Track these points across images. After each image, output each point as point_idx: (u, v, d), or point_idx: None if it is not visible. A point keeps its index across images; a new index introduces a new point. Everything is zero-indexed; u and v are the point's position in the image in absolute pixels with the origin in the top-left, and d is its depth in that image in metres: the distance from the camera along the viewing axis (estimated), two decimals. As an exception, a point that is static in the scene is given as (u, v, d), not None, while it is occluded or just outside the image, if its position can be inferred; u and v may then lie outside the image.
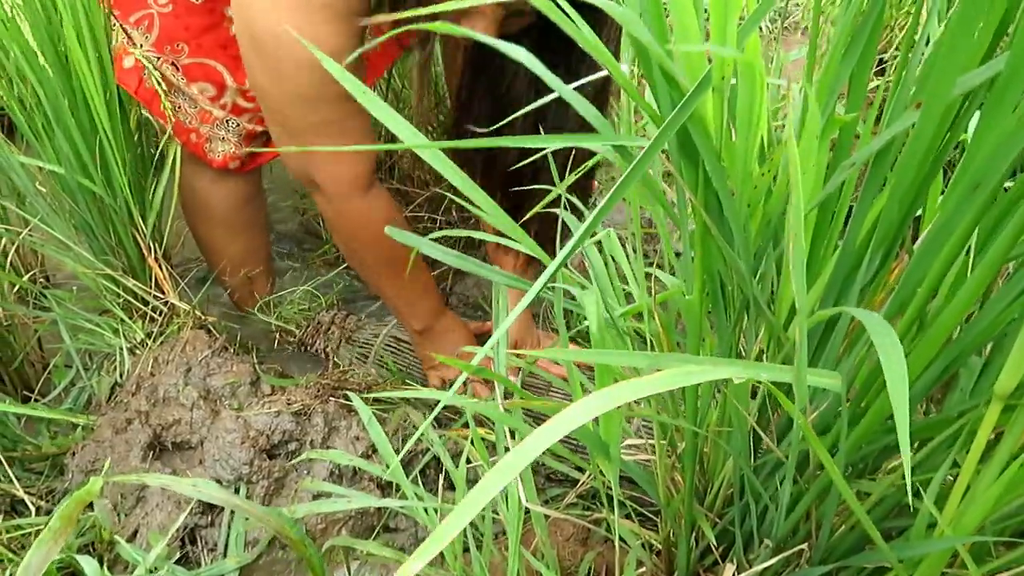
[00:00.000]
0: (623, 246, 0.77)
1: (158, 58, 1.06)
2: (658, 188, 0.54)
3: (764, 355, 0.62)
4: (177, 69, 1.07)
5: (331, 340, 1.23)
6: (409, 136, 0.52)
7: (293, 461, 0.82)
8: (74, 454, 0.89)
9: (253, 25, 0.81)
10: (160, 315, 1.14)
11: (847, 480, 0.60)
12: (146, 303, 1.13)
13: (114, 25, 1.03)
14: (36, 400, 1.14)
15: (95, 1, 0.94)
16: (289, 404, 0.87)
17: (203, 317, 1.13)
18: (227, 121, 1.13)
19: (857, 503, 0.48)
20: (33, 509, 0.87)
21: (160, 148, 1.14)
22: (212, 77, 1.08)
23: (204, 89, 1.09)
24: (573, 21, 0.43)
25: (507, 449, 0.68)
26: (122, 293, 1.12)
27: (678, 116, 0.42)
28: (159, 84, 1.03)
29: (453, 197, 0.96)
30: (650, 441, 0.73)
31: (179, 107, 1.10)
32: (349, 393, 0.73)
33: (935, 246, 0.46)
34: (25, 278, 1.17)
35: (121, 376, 1.07)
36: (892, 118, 0.49)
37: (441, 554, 0.71)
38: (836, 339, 0.54)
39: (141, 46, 1.05)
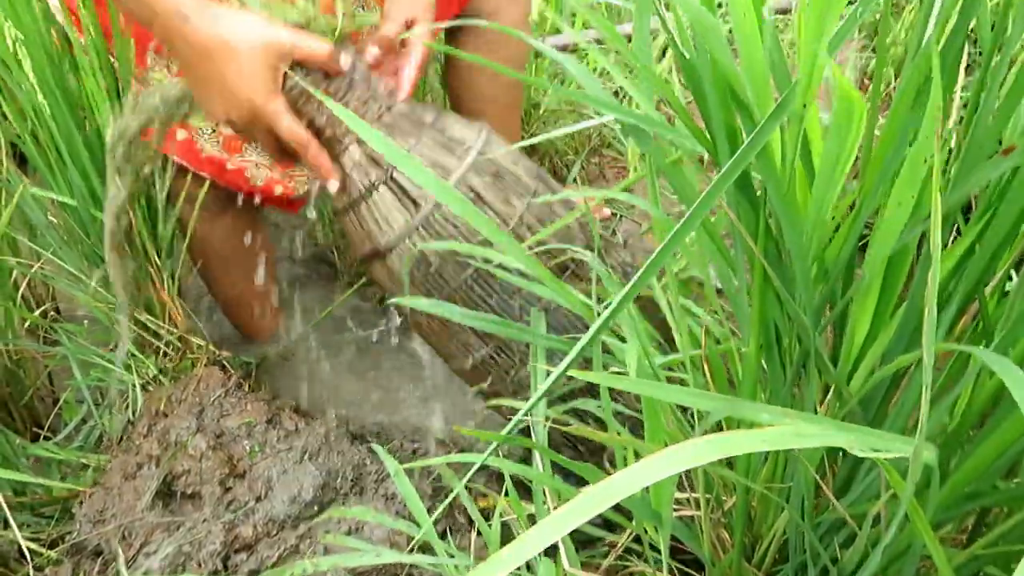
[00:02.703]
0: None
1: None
2: (719, 243, 0.50)
3: (818, 409, 0.58)
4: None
5: None
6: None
7: (319, 519, 0.79)
8: (82, 503, 0.86)
9: None
10: (173, 350, 1.11)
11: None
12: (159, 337, 1.10)
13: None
14: (46, 437, 1.10)
15: (116, 33, 0.91)
16: (310, 456, 0.83)
17: (217, 352, 1.10)
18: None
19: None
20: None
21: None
22: None
23: None
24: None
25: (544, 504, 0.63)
26: (134, 327, 1.09)
27: (747, 151, 0.38)
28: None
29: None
30: (693, 495, 0.68)
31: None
32: (376, 447, 0.69)
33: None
34: (36, 313, 1.14)
35: (133, 413, 1.04)
36: (970, 162, 0.45)
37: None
38: (909, 396, 0.50)
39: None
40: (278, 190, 1.11)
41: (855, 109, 0.36)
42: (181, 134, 1.04)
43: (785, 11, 1.46)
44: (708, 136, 0.47)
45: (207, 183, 1.09)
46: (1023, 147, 0.36)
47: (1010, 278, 0.47)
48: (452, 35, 1.24)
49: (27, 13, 0.86)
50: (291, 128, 0.76)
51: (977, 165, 0.42)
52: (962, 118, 0.49)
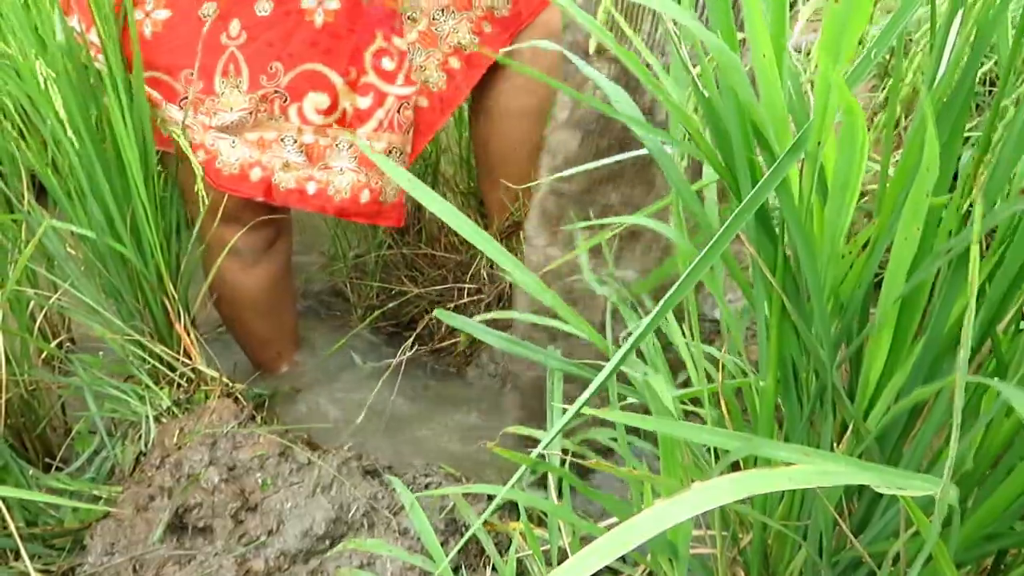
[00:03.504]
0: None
1: (260, 99, 1.01)
2: (739, 276, 0.51)
3: (835, 446, 0.58)
4: (284, 98, 1.01)
5: None
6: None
7: (332, 552, 0.78)
8: (93, 535, 0.86)
9: None
10: (187, 381, 1.11)
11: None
12: (173, 369, 1.11)
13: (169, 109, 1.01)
14: (58, 468, 1.11)
15: (136, 65, 0.93)
16: (322, 489, 0.83)
17: (230, 384, 1.10)
18: (336, 147, 1.07)
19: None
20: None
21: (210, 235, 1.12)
22: (318, 82, 1.03)
23: (317, 103, 1.03)
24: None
25: (559, 543, 0.63)
26: (148, 358, 1.10)
27: (767, 184, 0.39)
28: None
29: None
30: (709, 532, 0.68)
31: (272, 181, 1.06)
32: (391, 478, 0.69)
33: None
34: (53, 344, 1.15)
35: (146, 445, 1.04)
36: (989, 196, 0.45)
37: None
38: (926, 432, 0.50)
39: (233, 108, 1.01)
40: (365, 196, 1.10)
41: (857, 122, 0.37)
42: (256, 173, 1.05)
43: (797, 50, 1.48)
44: (728, 170, 0.48)
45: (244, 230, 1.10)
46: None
47: (1023, 316, 0.47)
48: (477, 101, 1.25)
49: (56, 50, 0.88)
50: None
51: (993, 204, 0.43)
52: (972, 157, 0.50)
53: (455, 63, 1.13)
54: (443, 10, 1.10)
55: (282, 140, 1.04)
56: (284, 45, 0.99)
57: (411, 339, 1.22)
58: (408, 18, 1.10)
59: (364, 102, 1.06)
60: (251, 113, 1.02)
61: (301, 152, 1.05)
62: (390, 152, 1.09)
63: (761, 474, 0.29)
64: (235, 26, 0.98)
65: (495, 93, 1.20)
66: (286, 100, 1.02)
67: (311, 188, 1.07)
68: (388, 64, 1.07)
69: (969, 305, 0.29)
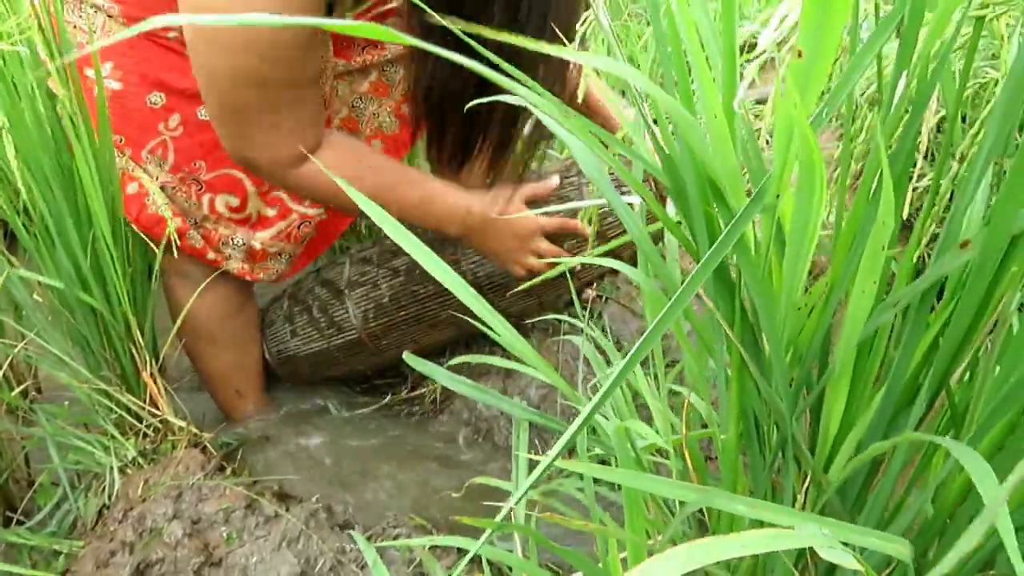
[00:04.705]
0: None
1: (179, 180, 1.07)
2: (701, 328, 0.51)
3: (797, 500, 0.58)
4: (200, 187, 1.07)
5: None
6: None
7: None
8: (51, 592, 0.83)
9: (204, 6, 0.81)
10: (153, 431, 1.09)
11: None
12: (139, 419, 1.09)
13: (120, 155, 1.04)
14: (19, 521, 1.08)
15: (102, 118, 0.94)
16: (288, 543, 0.81)
17: (198, 434, 1.09)
18: (232, 239, 1.12)
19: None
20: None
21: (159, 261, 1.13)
22: (234, 186, 1.08)
23: (228, 201, 1.09)
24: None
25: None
26: (115, 408, 1.08)
27: (726, 240, 0.40)
28: (166, 210, 1.02)
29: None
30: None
31: (185, 233, 1.10)
32: (353, 534, 0.68)
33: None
34: (15, 392, 1.13)
35: (109, 497, 1.02)
36: (941, 251, 0.46)
37: None
38: (885, 485, 0.50)
39: (157, 178, 1.06)
40: (247, 278, 1.18)
41: (815, 168, 0.37)
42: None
43: (762, 101, 1.51)
44: (688, 225, 0.49)
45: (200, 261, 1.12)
46: (977, 242, 0.37)
47: (975, 367, 0.48)
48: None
49: (20, 101, 0.88)
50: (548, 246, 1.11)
51: (941, 256, 0.44)
52: (920, 207, 0.51)
53: (407, 109, 1.19)
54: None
55: (189, 217, 1.11)
56: (213, 149, 1.04)
57: (384, 387, 1.21)
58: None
59: (270, 211, 1.13)
60: (171, 189, 1.08)
61: (199, 231, 1.12)
62: (280, 253, 1.17)
63: (715, 542, 0.29)
64: (175, 119, 1.04)
65: None
66: (201, 189, 1.09)
67: (210, 255, 1.15)
68: None
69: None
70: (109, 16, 1.01)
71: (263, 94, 0.88)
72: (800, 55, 0.37)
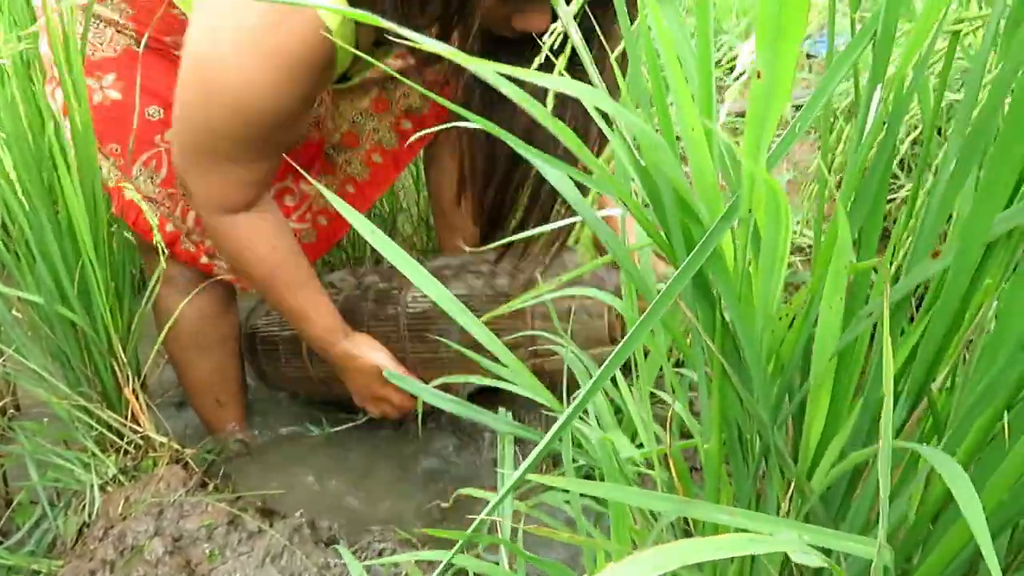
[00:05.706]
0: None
1: (167, 194, 1.08)
2: (680, 341, 0.51)
3: (781, 507, 0.58)
4: (188, 204, 1.08)
5: None
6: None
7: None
8: (30, 613, 0.82)
9: (206, 64, 0.83)
10: (135, 448, 1.08)
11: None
12: (120, 436, 1.08)
13: (102, 162, 1.04)
14: (-3, 541, 1.06)
15: (87, 130, 0.93)
16: (272, 559, 0.80)
17: (180, 450, 1.08)
18: None
19: None
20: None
21: (140, 271, 1.13)
22: None
23: None
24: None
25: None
26: (96, 425, 1.07)
27: (698, 255, 0.40)
28: (153, 220, 1.02)
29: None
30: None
31: (178, 239, 1.11)
32: (340, 548, 0.68)
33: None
34: (-6, 410, 1.11)
35: (90, 516, 1.00)
36: (914, 260, 0.47)
37: None
38: (868, 492, 0.50)
39: (145, 192, 1.07)
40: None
41: (780, 207, 0.38)
42: (169, 227, 1.10)
43: (742, 114, 1.53)
44: (665, 237, 0.50)
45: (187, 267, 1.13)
46: (947, 250, 0.38)
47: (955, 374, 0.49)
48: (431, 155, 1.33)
49: (9, 113, 0.88)
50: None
51: (917, 264, 0.45)
52: (897, 218, 0.52)
53: (407, 124, 1.21)
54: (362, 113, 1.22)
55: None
56: None
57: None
58: (327, 153, 1.22)
59: None
60: (156, 203, 1.09)
61: (190, 238, 1.13)
62: None
63: (691, 544, 0.30)
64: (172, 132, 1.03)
65: (448, 143, 1.28)
66: (189, 205, 1.09)
67: (203, 260, 1.15)
68: (289, 201, 1.21)
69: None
70: (119, 32, 1.03)
71: (233, 147, 0.90)
72: (759, 76, 0.37)
